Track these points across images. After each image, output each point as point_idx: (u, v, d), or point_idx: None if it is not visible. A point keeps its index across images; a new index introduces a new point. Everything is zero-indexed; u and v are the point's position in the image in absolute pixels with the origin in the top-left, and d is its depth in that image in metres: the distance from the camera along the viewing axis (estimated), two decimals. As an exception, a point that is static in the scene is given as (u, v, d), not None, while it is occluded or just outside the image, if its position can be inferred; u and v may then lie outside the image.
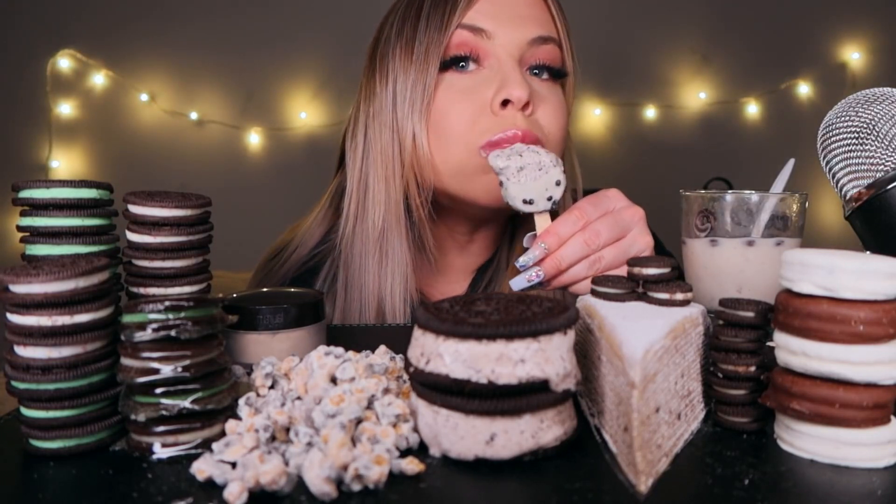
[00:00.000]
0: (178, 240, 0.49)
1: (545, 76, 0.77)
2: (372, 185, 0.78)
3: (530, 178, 0.64)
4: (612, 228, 0.62)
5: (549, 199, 0.64)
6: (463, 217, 0.83)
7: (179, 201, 0.49)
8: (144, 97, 2.28)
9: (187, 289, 0.50)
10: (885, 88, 0.52)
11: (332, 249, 0.84)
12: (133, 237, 0.49)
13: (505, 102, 0.72)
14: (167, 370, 0.40)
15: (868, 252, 0.46)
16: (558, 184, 0.64)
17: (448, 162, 0.74)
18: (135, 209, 0.49)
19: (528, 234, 0.64)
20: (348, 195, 0.81)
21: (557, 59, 0.77)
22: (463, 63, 0.74)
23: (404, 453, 0.40)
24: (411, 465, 0.38)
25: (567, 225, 0.62)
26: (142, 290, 0.49)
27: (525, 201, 0.64)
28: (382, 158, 0.77)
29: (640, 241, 0.64)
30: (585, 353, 0.48)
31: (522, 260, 0.62)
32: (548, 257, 0.62)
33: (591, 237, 0.61)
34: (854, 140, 0.50)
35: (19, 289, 0.39)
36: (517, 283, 0.63)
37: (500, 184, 0.65)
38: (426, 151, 0.74)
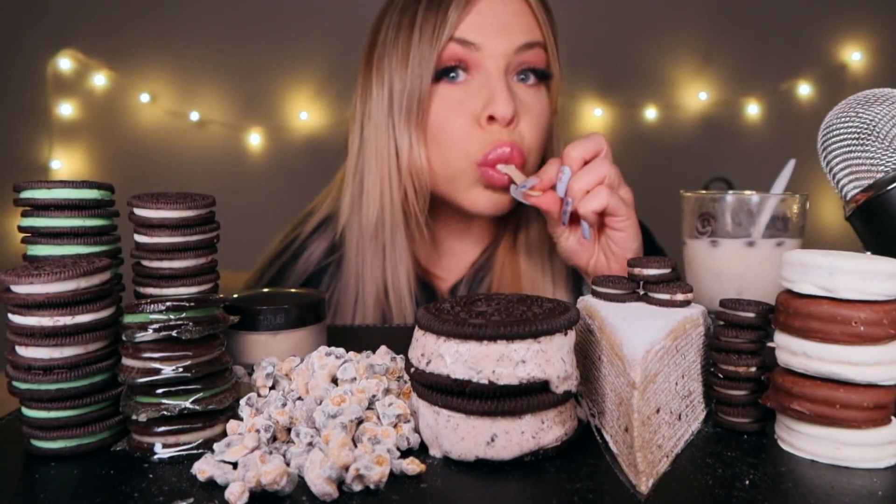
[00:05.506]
0: (186, 240, 0.49)
1: (531, 80, 0.79)
2: (367, 182, 0.81)
3: None
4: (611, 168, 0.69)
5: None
6: (457, 211, 0.86)
7: (187, 202, 0.49)
8: (145, 97, 2.28)
9: (195, 288, 0.50)
10: (885, 89, 0.52)
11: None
12: (141, 239, 0.49)
13: (491, 117, 0.75)
14: (168, 370, 0.40)
15: (868, 253, 0.46)
16: None
17: (447, 169, 0.78)
18: (141, 212, 0.49)
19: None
20: (346, 186, 0.84)
21: (542, 62, 0.80)
22: (454, 73, 0.77)
23: (405, 454, 0.40)
24: (412, 466, 0.38)
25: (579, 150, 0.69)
26: (151, 291, 0.50)
27: None
28: (377, 159, 0.80)
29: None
30: (586, 353, 0.48)
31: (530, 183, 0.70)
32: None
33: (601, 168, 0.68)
34: (854, 140, 0.49)
35: (21, 289, 0.40)
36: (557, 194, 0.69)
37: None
38: (423, 162, 0.78)
